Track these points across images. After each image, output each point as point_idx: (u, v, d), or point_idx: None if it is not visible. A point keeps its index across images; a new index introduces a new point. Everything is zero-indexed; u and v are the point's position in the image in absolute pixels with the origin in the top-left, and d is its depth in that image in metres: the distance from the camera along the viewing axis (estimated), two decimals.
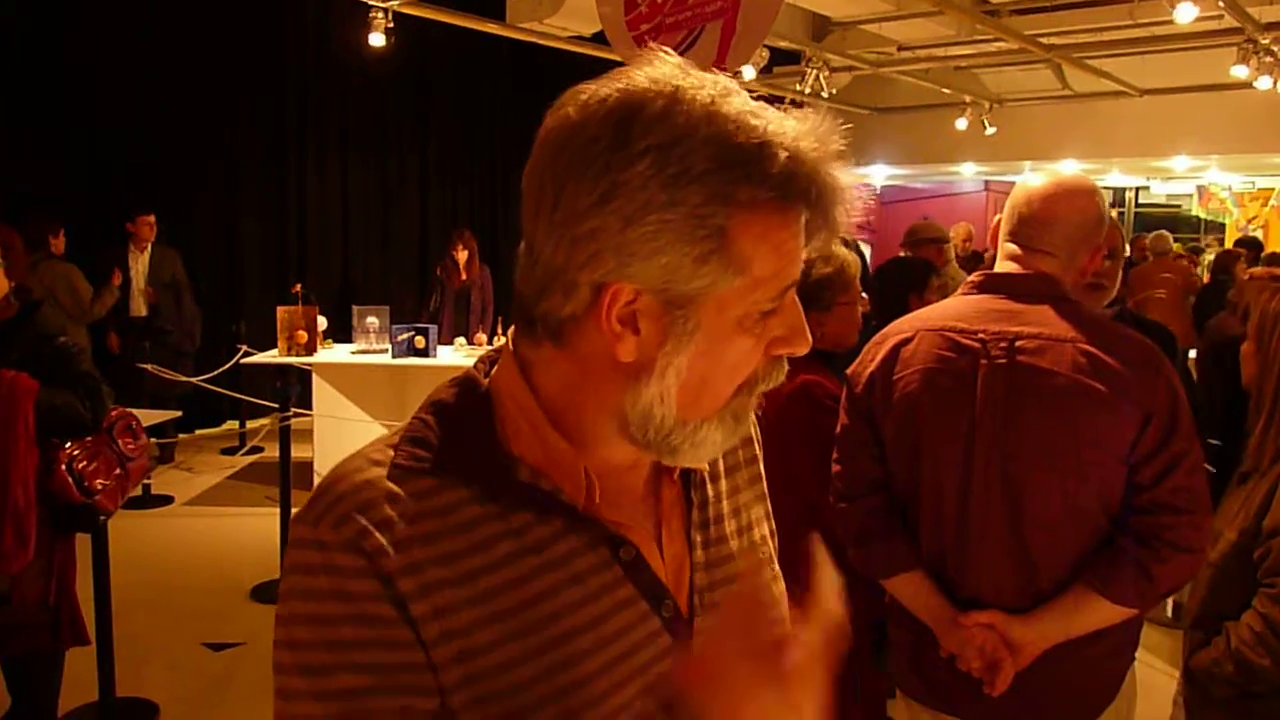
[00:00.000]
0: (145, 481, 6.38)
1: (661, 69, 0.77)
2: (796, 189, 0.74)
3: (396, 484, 0.79)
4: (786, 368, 0.83)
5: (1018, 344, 1.78)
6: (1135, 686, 1.93)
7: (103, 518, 3.14)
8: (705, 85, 0.76)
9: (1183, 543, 1.70)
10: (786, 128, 0.75)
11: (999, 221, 1.96)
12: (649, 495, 0.89)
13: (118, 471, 3.06)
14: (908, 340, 1.89)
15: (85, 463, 2.98)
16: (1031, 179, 1.92)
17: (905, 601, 1.91)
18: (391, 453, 0.82)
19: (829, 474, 1.99)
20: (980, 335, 1.82)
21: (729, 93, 0.76)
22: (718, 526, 0.93)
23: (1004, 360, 1.78)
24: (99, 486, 3.01)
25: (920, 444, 1.85)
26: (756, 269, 0.76)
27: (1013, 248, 1.89)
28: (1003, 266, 1.90)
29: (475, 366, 0.90)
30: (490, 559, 0.79)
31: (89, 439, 3.02)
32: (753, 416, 1.02)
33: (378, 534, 0.76)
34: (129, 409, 3.35)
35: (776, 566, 1.00)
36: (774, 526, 1.03)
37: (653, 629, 0.85)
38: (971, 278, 1.93)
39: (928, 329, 1.88)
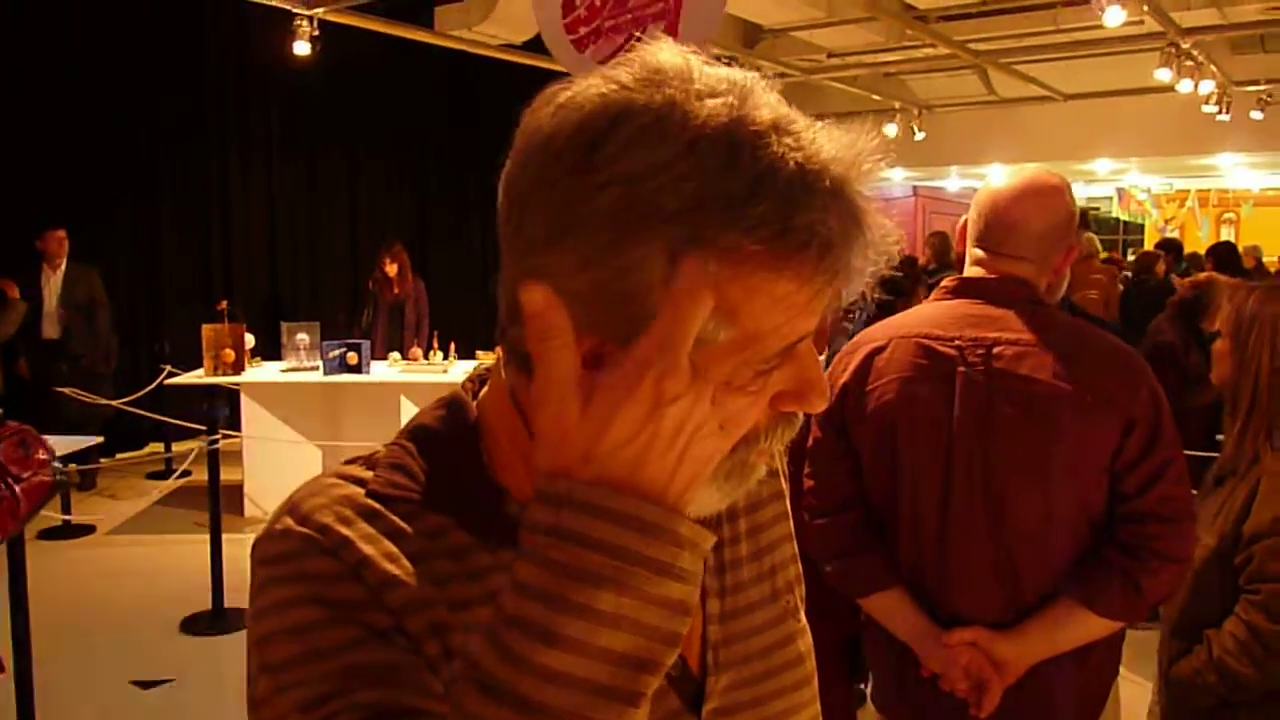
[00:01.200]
0: (65, 516, 6.11)
1: (669, 61, 0.61)
2: (795, 240, 0.57)
3: (371, 504, 0.70)
4: (800, 422, 0.68)
5: (995, 350, 1.72)
6: (1119, 698, 1.88)
7: None
8: (718, 91, 0.60)
9: (1171, 553, 1.65)
10: (803, 150, 0.59)
11: (965, 223, 1.90)
12: None
13: (4, 495, 2.83)
14: (881, 349, 1.82)
15: None
16: (996, 179, 1.86)
17: (885, 620, 1.83)
18: (370, 474, 0.72)
19: (801, 489, 1.91)
20: (956, 342, 1.75)
21: (745, 100, 0.60)
22: (735, 572, 0.82)
23: (981, 367, 1.72)
24: None
25: (897, 456, 1.78)
26: (747, 322, 0.59)
27: (980, 253, 1.83)
28: (974, 271, 1.83)
29: (463, 386, 0.79)
30: (484, 590, 0.69)
31: None
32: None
33: (344, 532, 0.67)
34: (30, 430, 3.13)
35: (803, 617, 0.89)
36: (800, 571, 0.91)
37: (657, 690, 0.74)
38: (945, 283, 1.87)
39: (901, 336, 1.81)
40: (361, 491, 0.70)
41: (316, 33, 6.56)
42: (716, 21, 3.40)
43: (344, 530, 0.68)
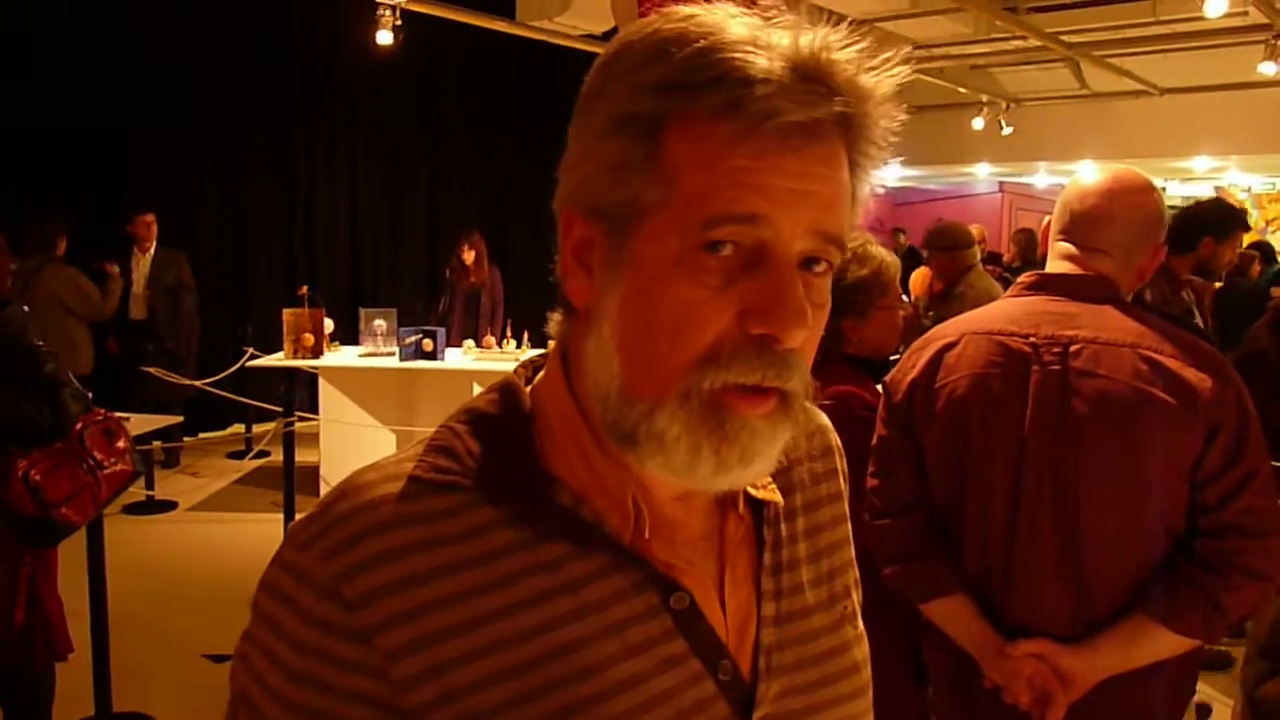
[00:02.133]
0: (149, 492, 6.29)
1: (688, 12, 0.65)
2: (756, 99, 0.61)
3: (410, 503, 0.67)
4: (793, 368, 0.65)
5: (1072, 349, 1.65)
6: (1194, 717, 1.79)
7: (68, 530, 2.94)
8: (738, 14, 0.64)
9: (1255, 569, 1.57)
10: (745, 35, 0.63)
11: (1049, 222, 1.83)
12: (711, 532, 0.75)
13: (88, 481, 2.90)
14: (952, 345, 1.76)
15: (44, 473, 2.80)
16: (1084, 175, 1.79)
17: (946, 627, 1.77)
18: (412, 465, 0.70)
19: (864, 490, 1.86)
20: (1032, 339, 1.68)
21: (711, 13, 0.65)
22: (792, 573, 0.78)
23: (1058, 366, 1.65)
24: (60, 498, 2.82)
25: (966, 456, 1.72)
26: (688, 183, 0.62)
27: (1066, 246, 1.76)
28: (1055, 266, 1.76)
29: (516, 371, 0.77)
30: (512, 599, 0.66)
31: (56, 447, 2.85)
32: (836, 443, 0.88)
33: (370, 574, 0.64)
34: (119, 414, 3.21)
35: (860, 624, 0.84)
36: (858, 575, 0.86)
37: (706, 694, 0.70)
38: (1022, 278, 1.80)
39: (975, 332, 1.74)
40: (396, 490, 0.68)
41: (399, 22, 6.63)
42: None
43: (355, 553, 0.65)
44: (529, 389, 0.75)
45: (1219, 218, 3.94)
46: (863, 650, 0.83)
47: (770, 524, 0.77)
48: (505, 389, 0.74)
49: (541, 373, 0.75)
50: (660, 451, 0.65)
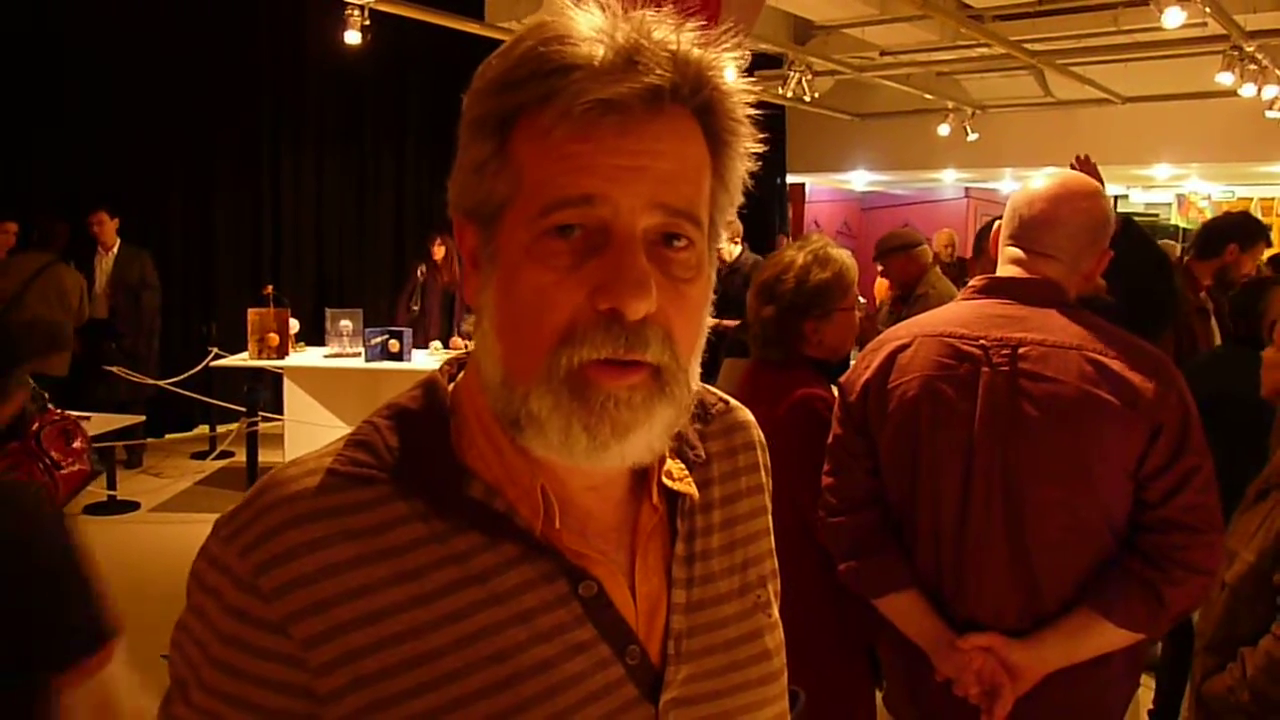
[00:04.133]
0: (110, 492, 6.23)
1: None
2: (570, 83, 0.64)
3: (327, 496, 0.69)
4: (648, 341, 0.66)
5: (1020, 351, 1.69)
6: (1141, 712, 1.83)
7: None
8: (599, 14, 0.68)
9: (1196, 564, 1.61)
10: (569, 34, 0.66)
11: (998, 227, 1.87)
12: (623, 523, 0.77)
13: (45, 481, 2.88)
14: (905, 346, 1.79)
15: (1, 473, 2.78)
16: (1033, 181, 1.83)
17: (898, 622, 1.81)
18: (331, 459, 0.72)
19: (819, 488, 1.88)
20: (981, 342, 1.72)
21: (551, 21, 0.68)
22: (705, 563, 0.80)
23: (1006, 368, 1.69)
24: None
25: (917, 456, 1.75)
26: (528, 175, 0.66)
27: (1015, 251, 1.80)
28: (1004, 271, 1.80)
29: (441, 368, 0.79)
30: (424, 589, 0.69)
31: (13, 446, 2.82)
32: (759, 439, 0.91)
33: (285, 567, 0.67)
34: (79, 413, 3.18)
35: (775, 612, 0.87)
36: (776, 565, 0.89)
37: (614, 678, 0.73)
38: (973, 282, 1.84)
39: (927, 335, 1.78)
40: (315, 484, 0.70)
41: (368, 22, 6.61)
42: (755, 17, 3.37)
43: (271, 546, 0.68)
44: (451, 386, 0.77)
45: (1246, 228, 4.10)
46: (775, 638, 0.85)
47: (685, 515, 0.80)
48: (428, 385, 0.77)
49: (463, 372, 0.78)
50: (540, 434, 0.68)
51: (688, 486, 0.80)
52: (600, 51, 0.64)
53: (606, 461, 0.68)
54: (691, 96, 0.67)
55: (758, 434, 0.90)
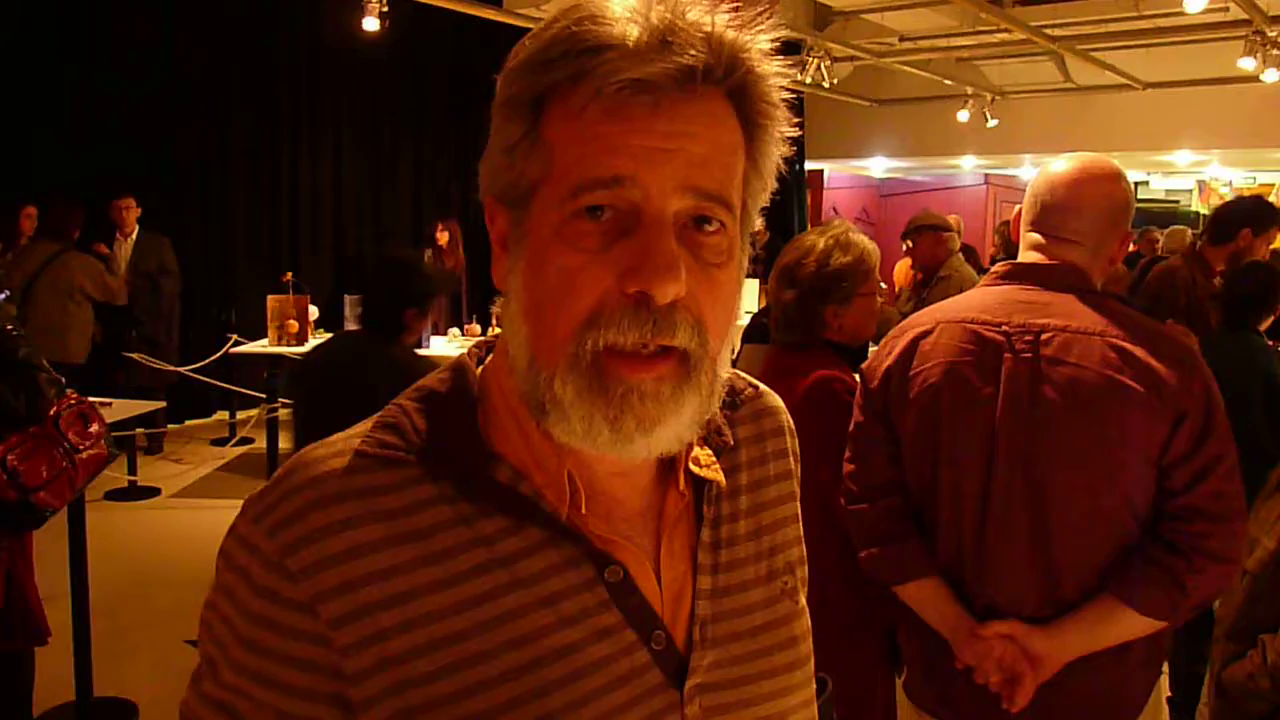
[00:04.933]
0: (131, 478, 6.28)
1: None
2: (603, 63, 0.63)
3: (354, 478, 0.69)
4: (677, 325, 0.65)
5: (1043, 337, 1.68)
6: (1161, 699, 1.83)
7: (47, 514, 2.93)
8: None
9: (1219, 552, 1.60)
10: (599, 18, 0.64)
11: (1019, 212, 1.86)
12: (650, 509, 0.77)
13: (64, 465, 2.90)
14: (927, 333, 1.78)
15: (21, 458, 2.78)
16: (1052, 165, 1.82)
17: (919, 609, 1.80)
18: (359, 441, 0.72)
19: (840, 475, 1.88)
20: (1004, 328, 1.71)
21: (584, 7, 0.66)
22: (732, 549, 0.80)
23: (1029, 354, 1.68)
24: (39, 483, 2.80)
25: (939, 443, 1.75)
26: (559, 156, 0.65)
27: (1036, 237, 1.79)
28: (1026, 256, 1.79)
29: (469, 351, 0.79)
30: (449, 572, 0.69)
31: (31, 431, 2.83)
32: (788, 424, 0.90)
33: (313, 547, 0.67)
34: (100, 399, 3.20)
35: (802, 599, 0.86)
36: (804, 552, 0.89)
37: (639, 663, 0.72)
38: (995, 268, 1.83)
39: (949, 321, 1.77)
40: (343, 465, 0.70)
41: (385, 9, 6.62)
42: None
43: (300, 526, 0.68)
44: (480, 369, 0.77)
45: (1259, 213, 4.07)
46: (802, 625, 0.85)
47: (711, 501, 0.79)
48: (456, 368, 0.77)
49: (491, 355, 0.78)
50: (563, 419, 0.67)
51: (715, 473, 0.79)
52: (634, 31, 0.63)
53: (631, 453, 0.68)
54: (725, 78, 0.66)
55: (787, 420, 0.90)
